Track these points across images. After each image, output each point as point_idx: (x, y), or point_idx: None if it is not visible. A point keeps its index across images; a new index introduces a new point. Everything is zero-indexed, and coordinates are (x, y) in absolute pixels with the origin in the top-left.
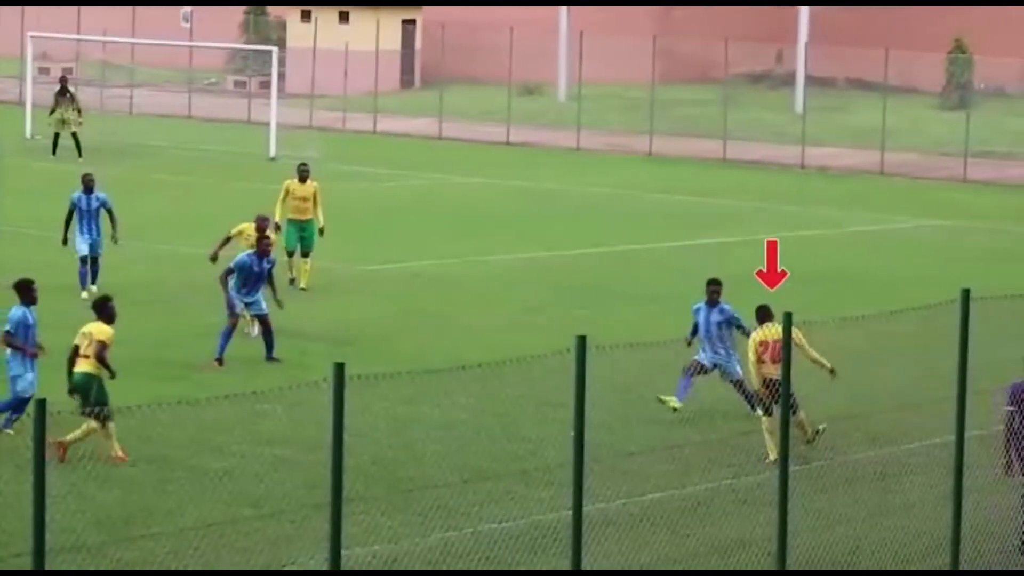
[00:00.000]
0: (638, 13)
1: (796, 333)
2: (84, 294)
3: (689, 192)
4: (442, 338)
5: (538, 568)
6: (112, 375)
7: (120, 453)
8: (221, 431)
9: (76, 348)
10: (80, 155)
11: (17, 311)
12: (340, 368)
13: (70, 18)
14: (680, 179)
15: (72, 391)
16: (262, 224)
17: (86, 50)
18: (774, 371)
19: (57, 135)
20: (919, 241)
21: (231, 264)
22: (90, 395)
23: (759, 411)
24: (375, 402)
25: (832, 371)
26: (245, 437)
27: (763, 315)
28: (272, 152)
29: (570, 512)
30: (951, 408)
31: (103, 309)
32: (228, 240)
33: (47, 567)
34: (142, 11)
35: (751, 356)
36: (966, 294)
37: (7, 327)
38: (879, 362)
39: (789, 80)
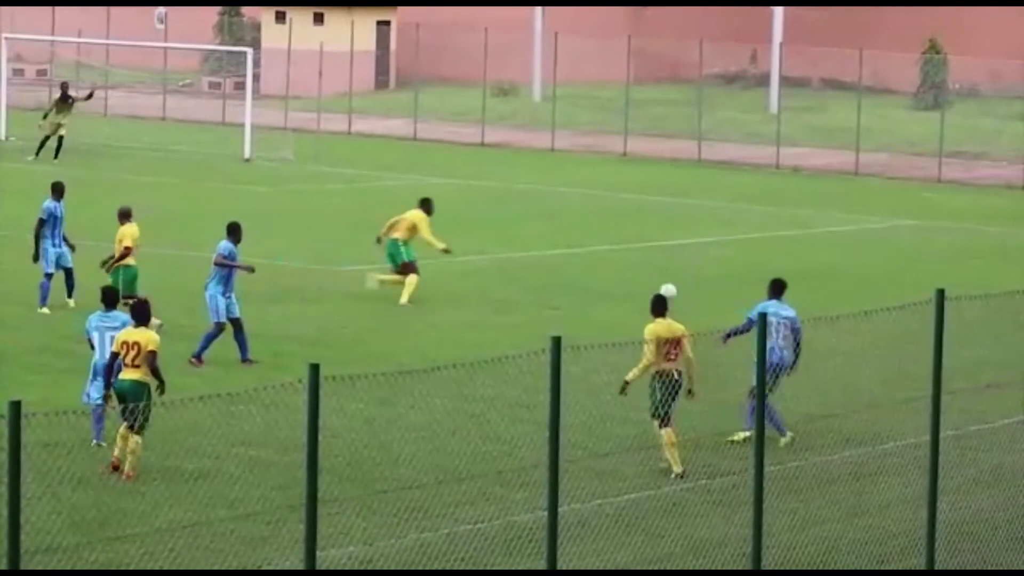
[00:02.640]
0: (612, 14)
1: (682, 329)
2: (45, 310)
3: (663, 192)
4: (417, 339)
5: (514, 569)
6: (162, 388)
7: (131, 471)
8: (195, 433)
9: (115, 355)
10: (56, 156)
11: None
12: (315, 369)
13: (44, 19)
14: (654, 179)
15: (119, 398)
16: (125, 220)
17: (60, 51)
18: (667, 367)
19: (47, 138)
20: (893, 241)
21: (223, 252)
22: (139, 402)
23: (660, 425)
24: (350, 403)
25: (691, 391)
26: (220, 438)
27: (659, 308)
28: (247, 153)
29: (545, 513)
30: (925, 408)
31: (144, 313)
32: (129, 252)
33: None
34: (116, 12)
35: (653, 355)
36: (941, 294)
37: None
38: (853, 362)
39: (763, 80)
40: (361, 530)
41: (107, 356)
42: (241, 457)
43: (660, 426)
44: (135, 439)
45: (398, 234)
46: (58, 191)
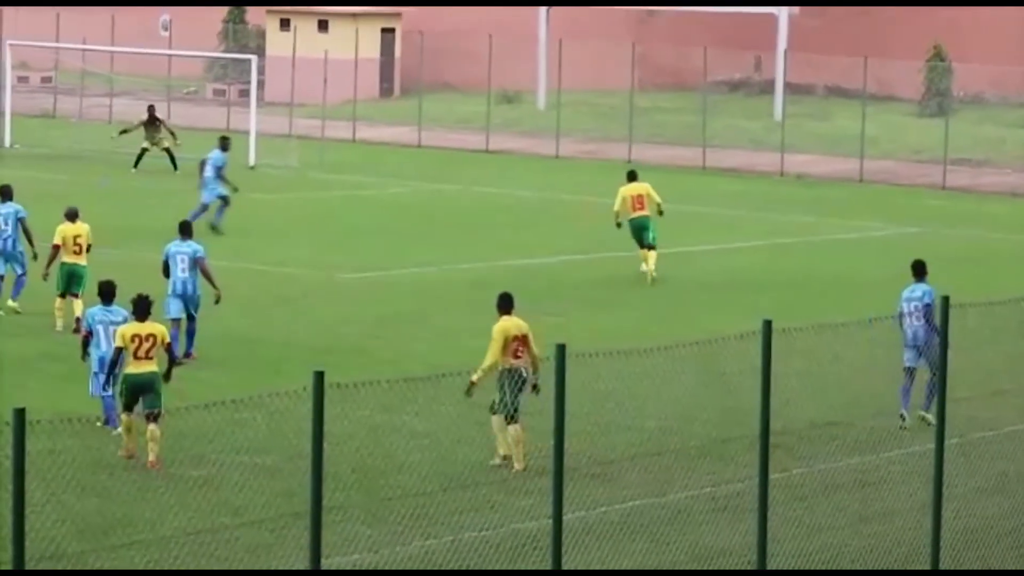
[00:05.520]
0: (616, 21)
1: (527, 326)
2: (12, 303)
3: (667, 199)
4: (421, 346)
5: (518, 569)
6: (169, 376)
7: (156, 460)
8: (200, 439)
9: (119, 350)
10: (175, 168)
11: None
12: (320, 376)
13: (49, 26)
14: (659, 186)
15: (139, 391)
16: (76, 218)
17: (65, 58)
18: (516, 363)
19: (144, 151)
20: (897, 248)
21: (204, 255)
22: (157, 393)
23: (508, 422)
24: (354, 410)
25: (535, 387)
26: (224, 446)
27: (506, 305)
28: (252, 161)
29: (550, 520)
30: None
31: (147, 307)
32: (58, 250)
33: None
34: (121, 20)
35: (498, 354)
36: (945, 301)
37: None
38: (857, 369)
39: (768, 88)
40: (366, 537)
41: (113, 351)
42: (246, 464)
43: (507, 422)
44: (157, 429)
45: (648, 210)
46: (5, 194)
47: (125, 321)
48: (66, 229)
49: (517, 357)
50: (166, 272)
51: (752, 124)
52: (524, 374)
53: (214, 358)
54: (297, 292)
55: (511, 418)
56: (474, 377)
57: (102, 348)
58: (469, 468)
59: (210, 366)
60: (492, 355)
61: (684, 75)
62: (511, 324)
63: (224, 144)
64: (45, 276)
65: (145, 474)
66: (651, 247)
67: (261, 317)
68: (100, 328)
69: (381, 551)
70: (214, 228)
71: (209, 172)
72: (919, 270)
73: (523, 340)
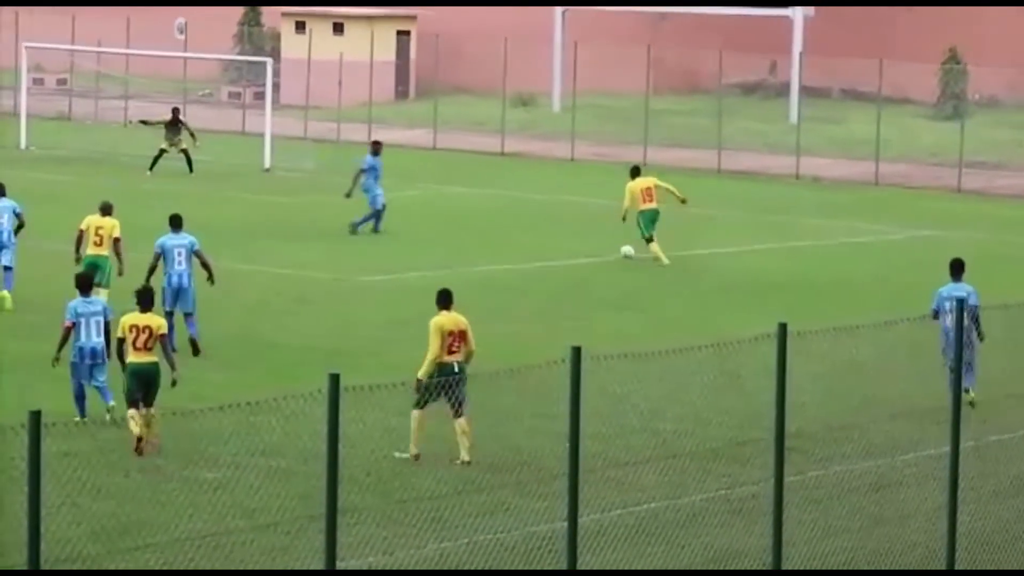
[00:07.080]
0: (631, 24)
1: (465, 322)
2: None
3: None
4: None
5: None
6: (174, 367)
7: (155, 439)
8: (215, 442)
9: (121, 340)
10: (191, 171)
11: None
12: (335, 379)
13: (64, 29)
14: None
15: (142, 382)
16: (107, 212)
17: (80, 61)
18: (448, 358)
19: (162, 152)
20: (912, 251)
21: (198, 246)
22: (157, 383)
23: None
24: (369, 413)
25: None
26: (239, 448)
27: (444, 301)
28: (267, 163)
29: (565, 523)
30: (945, 418)
31: (149, 299)
32: (81, 236)
33: None
34: (136, 22)
35: (438, 348)
36: (960, 304)
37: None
38: (872, 372)
39: (783, 91)
40: (381, 540)
41: (93, 340)
42: (261, 467)
43: (454, 417)
44: (154, 414)
45: (657, 202)
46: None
47: (105, 310)
48: (92, 220)
49: (451, 352)
50: (154, 265)
51: (767, 127)
52: (456, 368)
53: (228, 360)
54: (312, 294)
55: (457, 412)
56: (420, 374)
57: (82, 339)
58: (484, 471)
59: (224, 368)
60: (432, 350)
61: (699, 78)
62: (447, 319)
63: (376, 148)
64: (77, 260)
65: (160, 476)
66: (649, 239)
67: (276, 319)
68: (82, 321)
69: (396, 553)
70: (353, 228)
71: (369, 178)
72: (957, 269)
73: (460, 336)
